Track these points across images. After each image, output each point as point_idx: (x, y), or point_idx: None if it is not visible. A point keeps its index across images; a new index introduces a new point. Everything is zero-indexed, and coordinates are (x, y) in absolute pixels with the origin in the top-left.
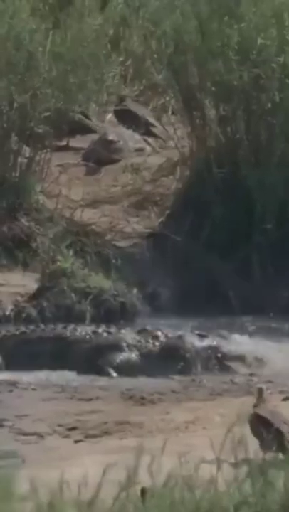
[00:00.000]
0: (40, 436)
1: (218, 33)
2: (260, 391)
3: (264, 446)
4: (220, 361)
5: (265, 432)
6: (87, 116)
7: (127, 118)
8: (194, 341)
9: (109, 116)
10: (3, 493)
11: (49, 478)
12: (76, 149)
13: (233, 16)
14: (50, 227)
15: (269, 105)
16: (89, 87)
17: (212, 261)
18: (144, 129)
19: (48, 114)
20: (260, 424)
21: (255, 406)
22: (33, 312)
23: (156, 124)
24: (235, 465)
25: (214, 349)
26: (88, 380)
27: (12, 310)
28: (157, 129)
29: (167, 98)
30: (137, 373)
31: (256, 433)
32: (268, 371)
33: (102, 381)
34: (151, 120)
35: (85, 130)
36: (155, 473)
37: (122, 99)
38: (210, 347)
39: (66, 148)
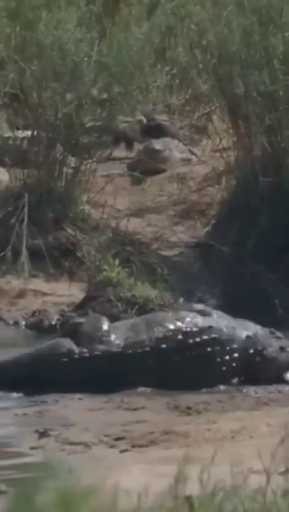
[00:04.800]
0: (87, 445)
1: (262, 43)
2: None
3: None
4: None
5: None
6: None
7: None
8: None
9: None
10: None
11: (97, 487)
12: (121, 159)
13: (277, 25)
14: (95, 237)
15: None
16: (134, 96)
17: (258, 270)
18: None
19: (93, 123)
20: None
21: None
22: None
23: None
24: (284, 475)
25: None
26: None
27: (58, 320)
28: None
29: (212, 107)
30: None
31: None
32: None
33: (147, 391)
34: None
35: (130, 140)
36: (203, 482)
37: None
38: None
39: (111, 158)
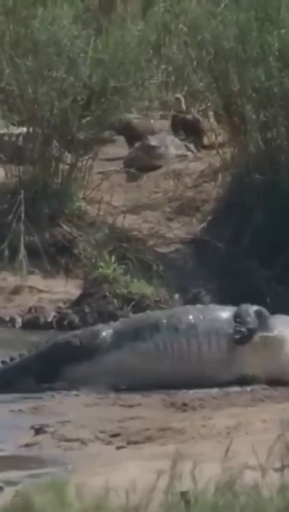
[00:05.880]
0: (83, 442)
1: (258, 40)
2: None
3: None
4: None
5: None
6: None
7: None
8: None
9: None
10: (57, 500)
11: (93, 484)
12: (118, 155)
13: (273, 22)
14: (92, 234)
15: None
16: (130, 93)
17: (253, 267)
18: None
19: (89, 119)
20: None
21: None
22: (75, 319)
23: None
24: (279, 471)
25: None
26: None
27: (54, 316)
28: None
29: (208, 104)
30: None
31: None
32: None
33: (143, 388)
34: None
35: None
36: (198, 478)
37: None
38: None
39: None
